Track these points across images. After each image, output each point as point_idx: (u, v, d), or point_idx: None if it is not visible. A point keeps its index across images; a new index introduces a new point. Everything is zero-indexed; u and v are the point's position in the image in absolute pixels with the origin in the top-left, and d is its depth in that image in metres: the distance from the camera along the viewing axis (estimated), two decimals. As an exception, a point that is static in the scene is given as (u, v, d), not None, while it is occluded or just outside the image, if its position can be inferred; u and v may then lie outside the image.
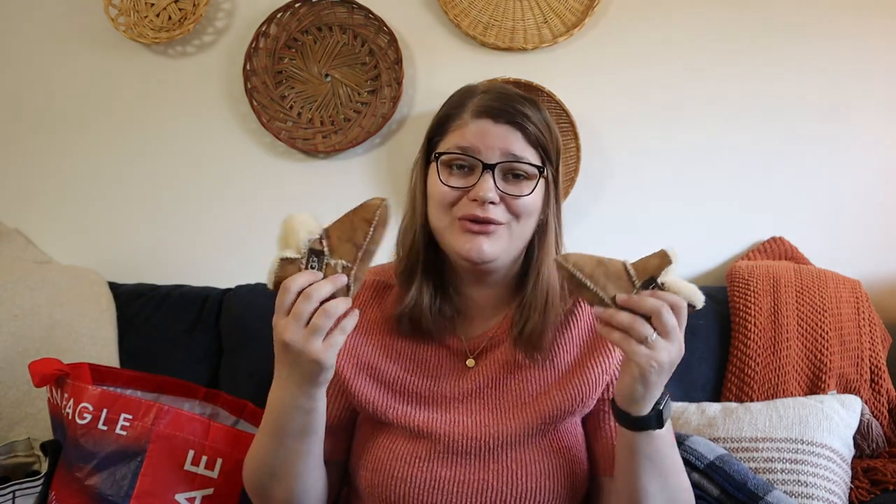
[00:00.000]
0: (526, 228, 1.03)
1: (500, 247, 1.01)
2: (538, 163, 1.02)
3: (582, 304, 1.09)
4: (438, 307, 1.06)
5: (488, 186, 0.99)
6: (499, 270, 1.06)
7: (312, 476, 0.99)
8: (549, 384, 1.05)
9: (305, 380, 0.89)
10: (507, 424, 1.01)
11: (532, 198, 1.02)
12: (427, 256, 1.06)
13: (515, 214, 1.01)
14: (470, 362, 1.07)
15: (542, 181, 1.03)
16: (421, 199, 1.06)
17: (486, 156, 1.00)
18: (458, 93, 1.08)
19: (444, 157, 1.02)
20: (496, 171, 1.00)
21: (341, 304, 0.86)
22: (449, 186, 1.01)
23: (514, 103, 1.02)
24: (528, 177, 1.02)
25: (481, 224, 0.99)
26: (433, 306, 1.05)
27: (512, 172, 1.01)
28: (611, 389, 1.06)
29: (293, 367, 0.88)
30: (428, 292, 1.05)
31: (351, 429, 1.11)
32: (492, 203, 0.99)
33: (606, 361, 1.05)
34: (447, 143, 1.03)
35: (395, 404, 1.04)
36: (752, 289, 1.58)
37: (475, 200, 0.99)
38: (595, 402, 1.07)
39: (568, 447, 1.04)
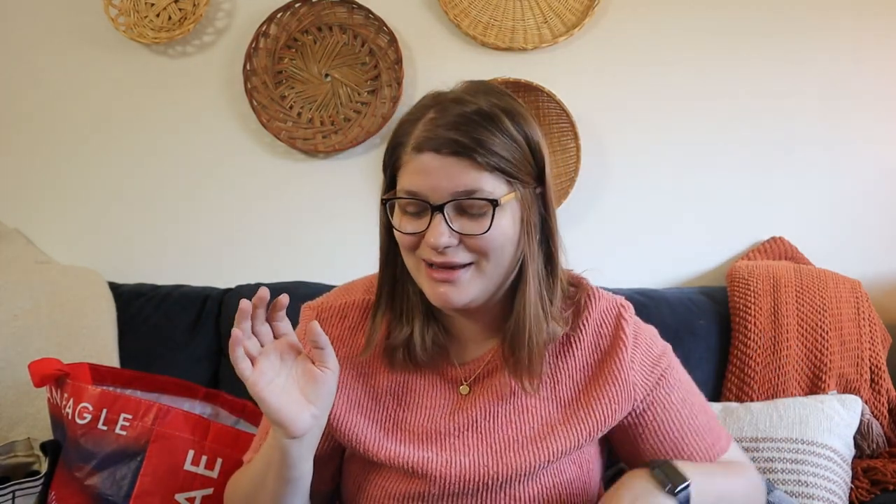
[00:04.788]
0: (501, 261, 0.91)
1: (473, 291, 0.91)
2: (497, 190, 0.88)
3: (584, 325, 0.99)
4: (432, 337, 0.98)
5: (439, 231, 0.87)
6: (479, 306, 0.95)
7: None
8: (552, 417, 0.97)
9: (274, 430, 0.89)
10: (508, 464, 0.94)
11: (495, 231, 0.88)
12: (406, 289, 0.97)
13: (481, 253, 0.90)
14: (464, 389, 0.99)
15: (511, 206, 0.90)
16: (387, 237, 0.97)
17: (433, 196, 0.88)
18: (414, 108, 0.95)
19: (390, 203, 0.93)
20: (449, 209, 0.88)
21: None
22: (404, 233, 0.91)
23: (464, 126, 0.88)
24: (484, 211, 0.89)
25: (442, 271, 0.90)
26: (425, 336, 0.97)
27: (465, 207, 0.89)
28: (632, 410, 0.99)
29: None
30: (419, 323, 0.97)
31: (337, 458, 1.05)
32: (448, 247, 0.88)
33: (614, 388, 0.96)
34: (400, 181, 0.92)
35: (388, 443, 0.96)
36: (752, 289, 1.58)
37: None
38: (609, 429, 0.98)
39: (571, 479, 0.97)
